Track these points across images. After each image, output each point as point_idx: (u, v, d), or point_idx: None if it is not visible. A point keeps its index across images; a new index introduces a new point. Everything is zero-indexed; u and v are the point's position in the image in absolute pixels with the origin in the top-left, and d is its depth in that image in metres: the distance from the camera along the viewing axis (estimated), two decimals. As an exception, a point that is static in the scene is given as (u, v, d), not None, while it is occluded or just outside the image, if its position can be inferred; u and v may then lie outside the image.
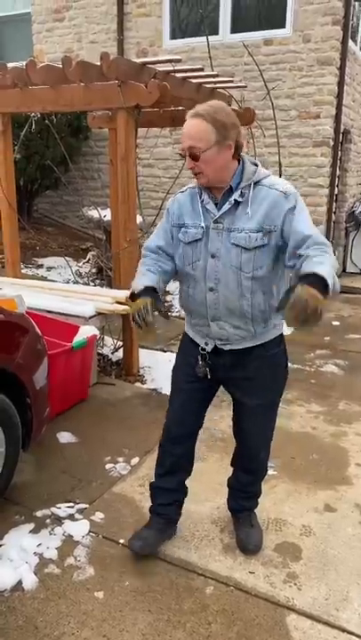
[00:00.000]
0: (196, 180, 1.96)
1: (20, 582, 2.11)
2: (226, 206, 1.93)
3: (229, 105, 4.95)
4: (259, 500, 2.43)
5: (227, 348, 2.09)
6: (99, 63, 3.48)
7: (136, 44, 7.47)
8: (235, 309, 2.00)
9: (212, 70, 4.85)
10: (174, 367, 2.27)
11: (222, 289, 1.98)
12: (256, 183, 1.92)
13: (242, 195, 1.91)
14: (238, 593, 2.10)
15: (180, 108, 4.83)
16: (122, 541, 2.34)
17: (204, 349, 2.12)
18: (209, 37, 5.73)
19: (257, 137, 6.32)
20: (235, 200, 1.91)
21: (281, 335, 2.15)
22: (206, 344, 2.12)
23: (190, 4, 7.18)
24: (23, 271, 5.56)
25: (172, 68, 3.88)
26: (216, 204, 1.97)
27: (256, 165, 1.96)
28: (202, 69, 4.12)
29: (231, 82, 4.73)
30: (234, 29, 6.91)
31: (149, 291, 1.96)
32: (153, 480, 2.36)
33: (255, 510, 2.43)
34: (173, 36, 7.34)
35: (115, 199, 4.92)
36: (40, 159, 7.03)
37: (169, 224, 2.09)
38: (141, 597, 2.06)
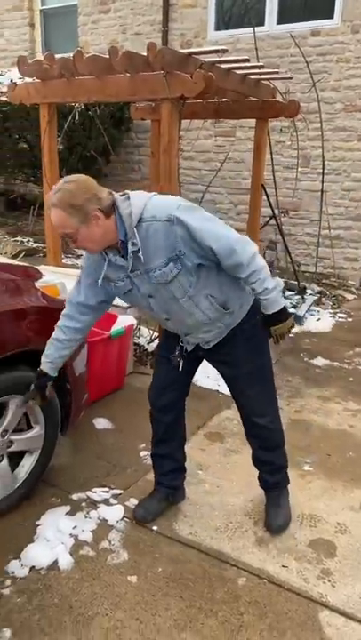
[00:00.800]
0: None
1: (55, 562, 2.16)
2: (130, 259, 1.94)
3: (274, 97, 4.91)
4: (287, 475, 2.46)
5: (209, 346, 2.18)
6: (144, 54, 3.48)
7: (180, 35, 7.44)
8: (194, 324, 2.10)
9: (258, 62, 4.79)
10: (158, 344, 2.41)
11: (174, 316, 2.09)
12: (139, 222, 1.88)
13: (134, 244, 1.91)
14: (271, 586, 2.10)
15: (225, 99, 4.81)
16: (155, 528, 2.37)
17: (183, 345, 2.23)
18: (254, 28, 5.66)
19: (300, 130, 6.23)
20: (132, 252, 1.92)
21: (253, 307, 2.14)
22: (188, 342, 2.22)
23: (236, -5, 7.10)
24: (63, 261, 5.64)
25: (217, 59, 3.85)
26: (122, 256, 1.97)
27: (128, 199, 1.91)
28: (248, 60, 4.07)
29: (277, 73, 4.66)
30: (280, 20, 6.80)
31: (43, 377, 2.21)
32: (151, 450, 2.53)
33: (285, 493, 2.46)
34: (218, 28, 7.28)
35: (155, 191, 4.92)
36: (82, 150, 7.11)
37: (92, 278, 2.09)
38: (174, 584, 2.08)
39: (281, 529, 2.37)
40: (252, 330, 2.15)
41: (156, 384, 2.40)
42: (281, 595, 2.06)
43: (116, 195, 1.94)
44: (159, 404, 2.39)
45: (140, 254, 1.90)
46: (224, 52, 3.70)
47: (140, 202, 1.91)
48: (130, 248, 1.92)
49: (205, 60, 3.73)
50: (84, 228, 1.87)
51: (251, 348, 2.18)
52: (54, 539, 2.27)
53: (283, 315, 2.00)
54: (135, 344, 4.20)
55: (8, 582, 2.05)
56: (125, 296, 2.10)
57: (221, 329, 2.12)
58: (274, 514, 2.41)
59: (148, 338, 4.44)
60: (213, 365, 2.31)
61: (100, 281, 2.02)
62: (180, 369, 2.25)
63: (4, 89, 6.59)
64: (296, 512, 2.48)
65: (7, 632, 1.85)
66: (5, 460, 2.35)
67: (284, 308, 2.00)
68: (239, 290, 2.10)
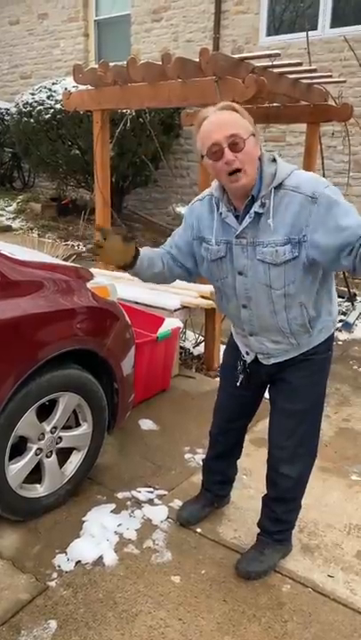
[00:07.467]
0: (230, 182, 1.71)
1: (100, 558, 2.18)
2: (247, 219, 1.74)
3: (326, 101, 4.85)
4: (290, 539, 2.21)
5: (269, 362, 1.99)
6: (197, 60, 3.52)
7: (232, 41, 7.47)
8: (271, 326, 1.88)
9: (310, 66, 4.75)
10: (221, 364, 2.28)
11: (255, 307, 1.86)
12: (278, 187, 1.70)
13: (262, 205, 1.71)
14: (316, 595, 2.05)
15: (275, 104, 4.79)
16: (199, 530, 2.37)
17: (244, 358, 2.07)
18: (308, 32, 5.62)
19: (352, 134, 6.11)
20: (255, 212, 1.72)
21: (329, 339, 1.97)
22: (247, 353, 2.04)
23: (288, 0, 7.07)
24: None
25: (269, 64, 3.84)
26: (237, 217, 1.79)
27: (275, 162, 1.75)
28: (300, 64, 4.04)
29: (330, 77, 4.60)
30: (333, 24, 6.72)
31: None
32: (204, 457, 2.45)
33: (277, 550, 2.16)
34: (269, 33, 7.26)
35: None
36: (132, 156, 7.22)
37: (189, 237, 1.96)
38: (217, 587, 2.07)
39: (250, 575, 2.08)
40: (321, 363, 1.99)
41: (220, 409, 2.30)
42: (326, 604, 2.01)
43: (263, 151, 1.78)
44: (222, 426, 2.30)
45: (270, 220, 1.70)
46: (277, 56, 3.69)
47: (286, 168, 1.74)
48: (255, 208, 1.72)
49: (257, 64, 3.74)
50: (253, 140, 1.68)
51: (313, 382, 1.99)
52: (99, 535, 2.30)
53: None
54: (181, 347, 4.23)
55: (55, 575, 2.10)
56: (212, 263, 1.89)
57: (292, 346, 1.92)
58: (251, 557, 2.12)
59: (193, 342, 4.45)
60: (270, 393, 2.10)
61: (212, 240, 1.85)
62: (239, 384, 2.09)
63: (59, 97, 6.80)
64: (343, 522, 2.43)
65: (53, 623, 1.89)
66: (54, 456, 2.41)
67: None
68: (327, 313, 1.92)
